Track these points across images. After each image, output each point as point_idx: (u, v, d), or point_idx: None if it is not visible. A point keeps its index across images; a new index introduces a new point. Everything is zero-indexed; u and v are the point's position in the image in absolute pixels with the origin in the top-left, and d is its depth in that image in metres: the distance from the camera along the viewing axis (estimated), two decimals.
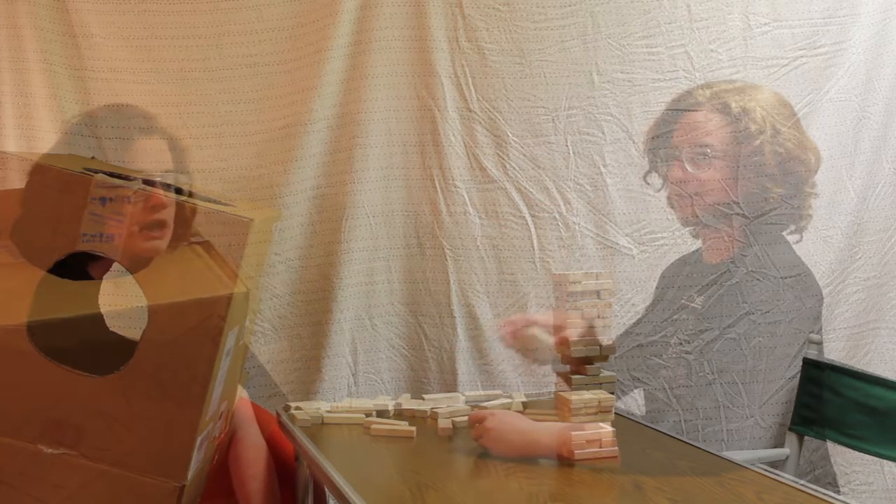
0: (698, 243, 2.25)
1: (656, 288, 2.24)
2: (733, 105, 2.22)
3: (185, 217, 1.65)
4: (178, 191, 1.60)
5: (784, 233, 2.27)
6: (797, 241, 2.28)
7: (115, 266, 1.63)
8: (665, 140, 2.23)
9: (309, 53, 2.12)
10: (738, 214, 2.24)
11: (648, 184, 2.23)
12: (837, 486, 2.28)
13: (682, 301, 2.23)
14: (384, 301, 2.19)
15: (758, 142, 2.22)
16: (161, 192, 1.51)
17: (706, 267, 2.24)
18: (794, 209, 2.27)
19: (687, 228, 2.25)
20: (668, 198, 2.24)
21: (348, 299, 2.15)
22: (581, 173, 2.22)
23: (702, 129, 2.22)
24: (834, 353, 2.28)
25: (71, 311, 1.58)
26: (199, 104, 2.08)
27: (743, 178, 2.23)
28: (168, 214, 1.54)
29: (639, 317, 2.23)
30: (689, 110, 2.23)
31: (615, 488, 1.45)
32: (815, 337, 2.24)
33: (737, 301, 2.24)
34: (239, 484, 1.74)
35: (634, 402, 2.23)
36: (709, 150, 2.22)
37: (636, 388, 2.23)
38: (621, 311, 2.23)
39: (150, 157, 1.84)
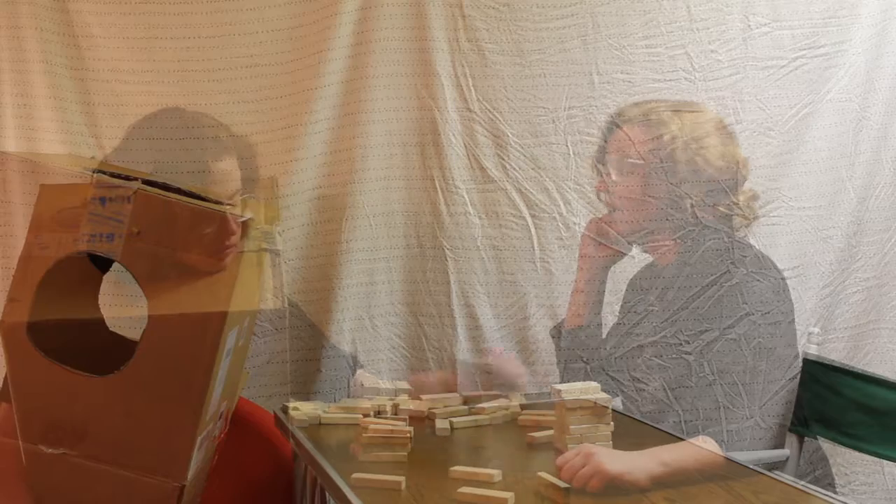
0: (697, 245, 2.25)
1: (632, 289, 2.24)
2: (652, 117, 2.22)
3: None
4: (180, 190, 1.60)
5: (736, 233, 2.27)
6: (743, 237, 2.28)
7: (116, 266, 1.63)
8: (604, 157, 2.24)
9: (309, 54, 2.12)
10: (737, 216, 2.23)
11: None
12: (835, 488, 2.28)
13: (682, 303, 2.23)
14: (384, 301, 2.19)
15: (670, 149, 2.22)
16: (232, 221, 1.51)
17: (690, 270, 2.24)
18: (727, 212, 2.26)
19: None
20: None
21: (348, 299, 2.15)
22: (581, 174, 2.22)
23: (624, 142, 2.22)
24: (834, 353, 2.28)
25: (72, 311, 1.58)
26: (199, 104, 2.08)
27: (660, 184, 2.23)
28: (237, 238, 1.53)
29: (626, 318, 2.23)
30: (615, 126, 2.23)
31: (614, 487, 1.45)
32: (814, 338, 2.24)
33: (737, 302, 2.24)
34: None
35: (634, 403, 2.23)
36: (630, 161, 2.22)
37: (636, 388, 2.23)
38: (621, 311, 2.23)
39: (222, 179, 1.88)
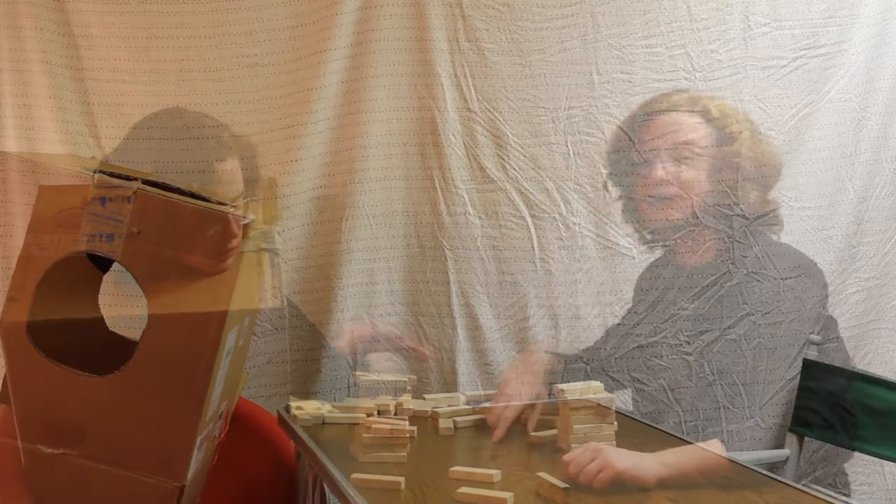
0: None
1: (638, 290, 2.24)
2: (713, 109, 2.22)
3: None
4: (181, 191, 1.59)
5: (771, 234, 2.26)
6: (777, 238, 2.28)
7: (116, 266, 1.63)
8: (632, 147, 2.22)
9: (309, 54, 2.12)
10: (737, 216, 2.23)
11: (608, 191, 2.23)
12: (838, 486, 2.27)
13: (682, 304, 2.23)
14: (384, 301, 2.19)
15: (738, 145, 2.22)
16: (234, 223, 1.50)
17: (691, 270, 2.23)
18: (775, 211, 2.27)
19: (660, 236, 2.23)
20: (634, 206, 2.23)
21: (348, 299, 2.15)
22: (581, 174, 2.22)
23: (681, 129, 2.21)
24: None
25: (71, 311, 1.58)
26: (199, 104, 2.08)
27: (719, 172, 2.22)
28: (239, 241, 1.53)
29: (634, 318, 2.23)
30: (661, 112, 2.22)
31: (616, 487, 1.45)
32: (814, 338, 2.23)
33: (737, 302, 2.24)
34: None
35: (634, 404, 2.23)
36: (691, 150, 2.21)
37: (636, 388, 2.22)
38: (621, 311, 2.23)
39: (227, 179, 1.88)
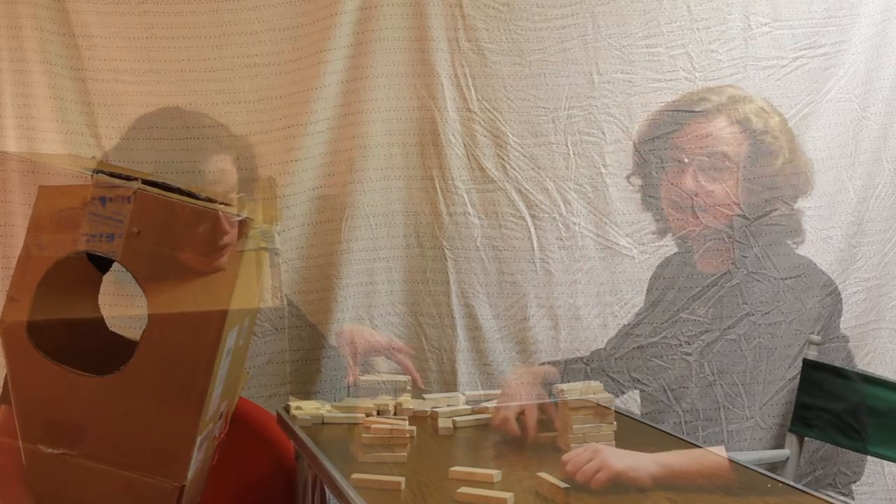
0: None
1: (649, 290, 2.24)
2: (754, 120, 2.21)
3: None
4: (180, 190, 1.59)
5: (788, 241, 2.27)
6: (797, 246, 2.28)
7: (116, 266, 1.62)
8: (665, 142, 2.22)
9: (309, 54, 2.12)
10: (738, 216, 2.23)
11: (631, 184, 2.23)
12: (838, 486, 2.28)
13: (682, 304, 2.23)
14: (384, 301, 2.19)
15: (779, 162, 2.22)
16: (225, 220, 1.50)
17: (703, 273, 2.24)
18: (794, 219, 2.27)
19: (678, 236, 2.23)
20: (657, 203, 2.23)
21: (348, 299, 2.15)
22: (581, 174, 2.22)
23: (719, 138, 2.22)
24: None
25: (71, 311, 1.58)
26: (199, 104, 2.08)
27: (753, 193, 2.22)
28: (231, 238, 1.52)
29: (640, 318, 2.23)
30: (701, 113, 2.22)
31: (615, 487, 1.45)
32: (814, 338, 2.23)
33: (737, 302, 2.24)
34: None
35: (634, 403, 2.23)
36: (725, 163, 2.21)
37: (636, 389, 2.23)
38: (621, 311, 2.23)
39: (217, 178, 1.89)
